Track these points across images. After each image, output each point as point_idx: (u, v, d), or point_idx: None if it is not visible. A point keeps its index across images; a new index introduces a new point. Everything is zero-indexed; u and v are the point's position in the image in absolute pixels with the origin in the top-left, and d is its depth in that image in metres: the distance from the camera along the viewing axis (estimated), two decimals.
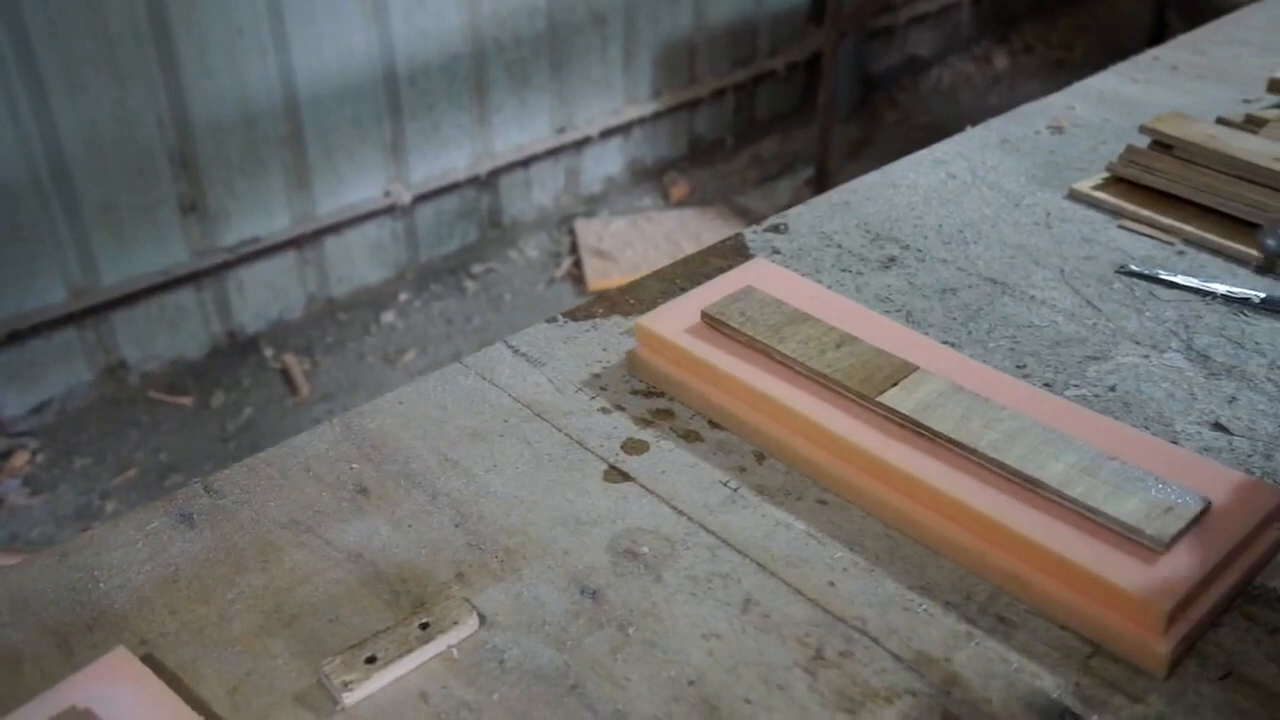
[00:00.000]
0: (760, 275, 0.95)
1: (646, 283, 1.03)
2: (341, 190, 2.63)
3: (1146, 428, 0.83)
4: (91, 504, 2.16)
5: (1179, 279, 1.00)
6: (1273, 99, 1.30)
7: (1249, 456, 0.80)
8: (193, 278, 2.42)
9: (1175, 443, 0.81)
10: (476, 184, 2.90)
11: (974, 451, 0.74)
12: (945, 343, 0.93)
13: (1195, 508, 0.68)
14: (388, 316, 2.73)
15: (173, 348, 2.47)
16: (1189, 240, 1.06)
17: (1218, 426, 0.83)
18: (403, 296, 2.80)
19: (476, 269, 2.92)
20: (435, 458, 0.82)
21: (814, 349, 0.83)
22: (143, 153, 2.24)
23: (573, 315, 0.99)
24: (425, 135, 2.74)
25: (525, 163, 2.99)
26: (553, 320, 0.98)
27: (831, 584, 0.71)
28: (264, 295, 2.58)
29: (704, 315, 0.89)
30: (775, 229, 1.11)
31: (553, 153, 3.04)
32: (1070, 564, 0.66)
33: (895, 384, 0.80)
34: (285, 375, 2.51)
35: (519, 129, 2.95)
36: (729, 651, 0.67)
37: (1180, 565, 0.65)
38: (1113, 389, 0.87)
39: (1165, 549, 0.66)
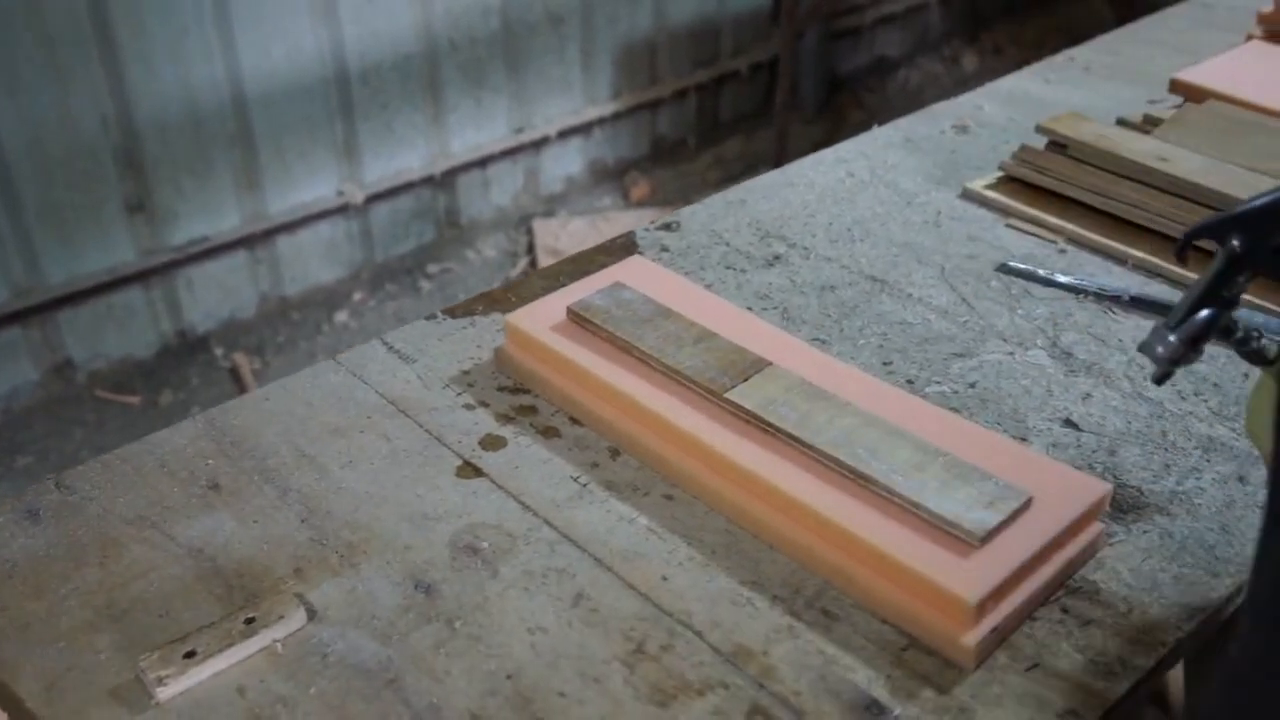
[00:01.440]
0: (634, 273, 0.95)
1: (532, 280, 1.04)
2: (293, 189, 2.63)
3: (999, 424, 0.84)
4: None
5: (1056, 277, 1.00)
6: (1175, 100, 1.31)
7: (1094, 452, 0.81)
8: (140, 277, 2.42)
9: (1025, 439, 0.82)
10: (432, 184, 2.90)
11: (810, 447, 0.74)
12: (815, 339, 0.94)
13: (1015, 502, 0.68)
14: (341, 316, 2.74)
15: (121, 347, 2.47)
16: (1072, 239, 1.07)
17: (1068, 423, 0.84)
18: (357, 296, 2.80)
19: (432, 269, 2.92)
20: (292, 454, 0.82)
21: (672, 345, 0.84)
22: (87, 152, 2.24)
23: (452, 312, 0.99)
24: (378, 135, 2.74)
25: (482, 163, 2.99)
26: (432, 317, 0.99)
27: (665, 579, 0.72)
28: (215, 294, 2.58)
29: (569, 311, 0.89)
30: (667, 227, 1.12)
31: (510, 153, 3.05)
32: (888, 558, 0.67)
33: (745, 380, 0.80)
34: (235, 374, 2.52)
35: (475, 129, 2.95)
36: (552, 645, 0.67)
37: (994, 559, 0.66)
38: (973, 386, 0.88)
39: (980, 543, 0.67)
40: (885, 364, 0.91)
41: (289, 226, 2.64)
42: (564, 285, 1.01)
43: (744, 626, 0.68)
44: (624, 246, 1.08)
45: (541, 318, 0.90)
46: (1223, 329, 0.67)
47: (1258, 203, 0.66)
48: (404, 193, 2.85)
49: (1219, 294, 0.67)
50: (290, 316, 2.71)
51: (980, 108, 1.36)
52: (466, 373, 0.91)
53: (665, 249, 1.08)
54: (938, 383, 0.89)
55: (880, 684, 0.64)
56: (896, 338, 0.94)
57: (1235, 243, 0.66)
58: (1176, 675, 1.44)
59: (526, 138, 3.05)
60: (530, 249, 3.01)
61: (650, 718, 0.63)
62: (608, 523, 0.76)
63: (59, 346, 2.37)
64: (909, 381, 0.89)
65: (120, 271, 2.38)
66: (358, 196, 2.72)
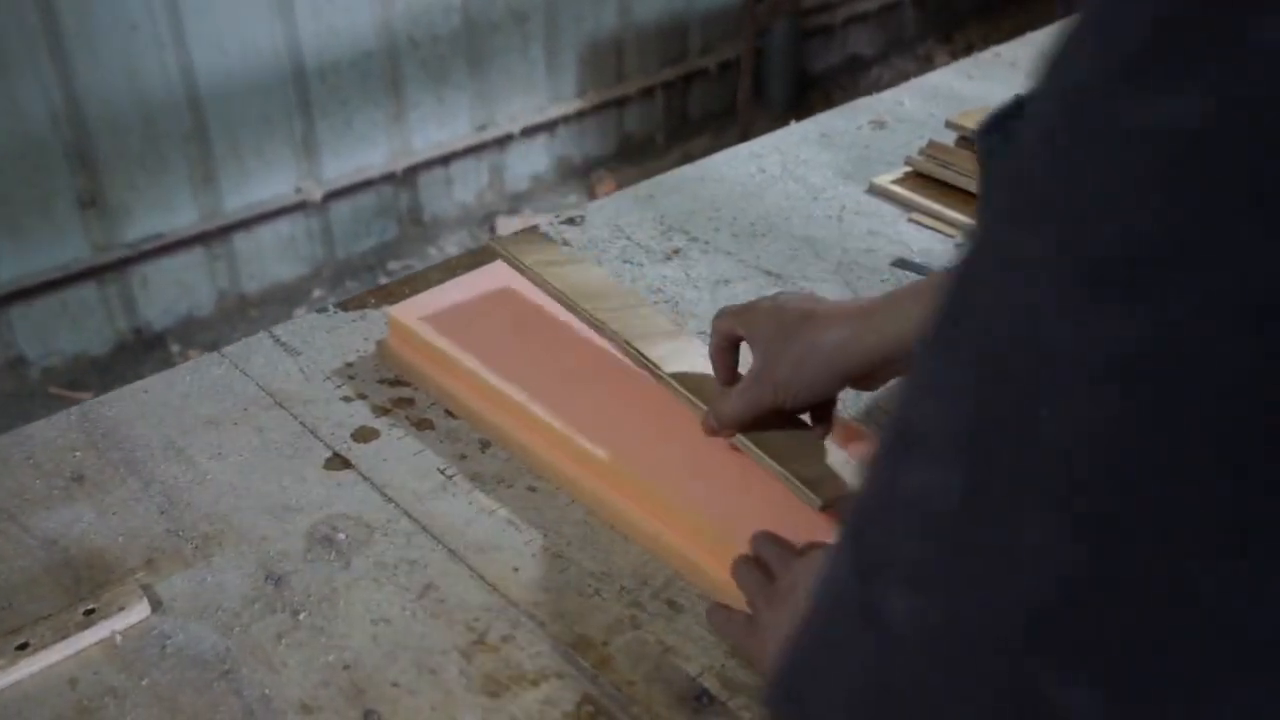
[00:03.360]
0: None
1: (430, 274, 1.04)
2: (250, 187, 2.62)
3: (875, 415, 0.84)
4: None
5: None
6: None
7: None
8: (94, 273, 2.42)
9: None
10: (394, 181, 2.90)
11: (688, 399, 0.75)
12: (702, 333, 0.94)
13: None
14: (300, 313, 2.73)
15: (75, 344, 2.46)
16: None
17: None
18: (317, 293, 2.80)
19: (394, 266, 2.92)
20: (162, 445, 0.82)
21: (580, 289, 0.84)
22: (36, 148, 2.24)
23: (345, 305, 0.99)
24: (338, 132, 2.74)
25: (445, 160, 2.99)
26: (323, 310, 0.99)
27: (516, 570, 0.72)
28: (171, 292, 2.58)
29: (491, 242, 0.90)
30: (571, 221, 1.12)
31: (474, 150, 3.04)
32: (732, 547, 0.67)
33: (645, 336, 0.81)
34: None
35: (438, 126, 2.95)
36: (393, 636, 0.67)
37: None
38: None
39: (820, 511, 0.67)
40: None
41: (246, 223, 2.64)
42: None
43: (588, 617, 0.68)
44: (526, 240, 1.08)
45: (424, 311, 0.90)
46: None
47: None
48: (365, 190, 2.85)
49: None
50: (249, 314, 2.71)
51: (901, 103, 1.36)
52: (350, 365, 0.91)
53: (567, 243, 1.08)
54: None
55: (712, 674, 0.64)
56: None
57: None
58: None
59: (490, 135, 3.05)
60: None
61: (480, 708, 0.62)
62: (467, 515, 0.76)
63: (11, 343, 2.36)
64: None
65: (73, 268, 2.37)
66: (316, 194, 2.72)
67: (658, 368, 0.77)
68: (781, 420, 0.73)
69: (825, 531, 0.67)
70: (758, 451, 0.71)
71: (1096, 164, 0.23)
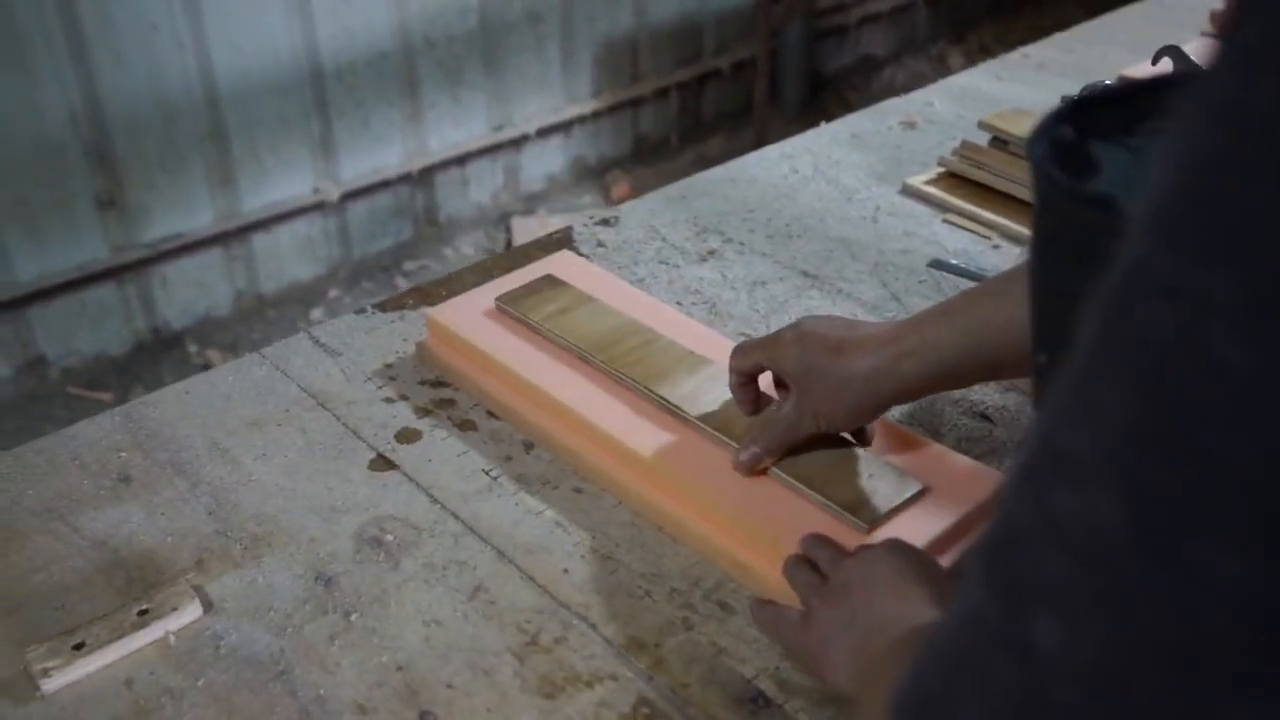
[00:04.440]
0: (562, 268, 0.95)
1: (464, 275, 1.04)
2: (268, 187, 2.63)
3: (913, 417, 0.84)
4: None
5: (987, 272, 1.00)
6: None
7: (1005, 445, 0.81)
8: (113, 273, 2.42)
9: (938, 432, 0.82)
10: (410, 181, 2.90)
11: (713, 434, 0.74)
12: (741, 334, 0.94)
13: (908, 492, 0.68)
14: (317, 313, 2.74)
15: (94, 344, 2.47)
16: (1006, 235, 1.07)
17: (983, 416, 0.83)
18: (333, 293, 2.80)
19: (410, 266, 2.92)
20: (207, 446, 0.82)
21: (592, 339, 0.84)
22: (56, 148, 2.24)
23: (383, 306, 0.99)
24: (355, 132, 2.74)
25: (461, 160, 2.99)
26: (361, 311, 0.99)
27: (566, 571, 0.72)
28: (190, 292, 2.58)
29: (496, 302, 0.89)
30: (605, 222, 1.12)
31: (489, 150, 3.04)
32: (780, 549, 0.67)
33: (664, 373, 0.80)
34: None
35: (454, 126, 2.95)
36: (445, 638, 0.67)
37: None
38: None
39: (869, 532, 0.66)
40: None
41: (264, 224, 2.64)
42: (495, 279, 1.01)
43: (639, 619, 0.68)
44: (560, 241, 1.08)
45: (464, 311, 0.90)
46: None
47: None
48: (381, 190, 2.85)
49: None
50: (266, 314, 2.71)
51: (930, 104, 1.35)
52: (390, 366, 0.91)
53: (601, 244, 1.08)
54: None
55: (767, 677, 0.64)
56: None
57: None
58: None
59: (506, 136, 3.05)
60: (509, 247, 3.01)
61: (536, 709, 0.62)
62: (514, 516, 0.76)
63: (31, 343, 2.37)
64: None
65: (92, 268, 2.38)
66: (333, 194, 2.72)
67: (682, 411, 0.77)
68: (817, 441, 0.73)
69: (875, 534, 0.67)
70: (793, 481, 0.71)
71: (1270, 188, 0.23)
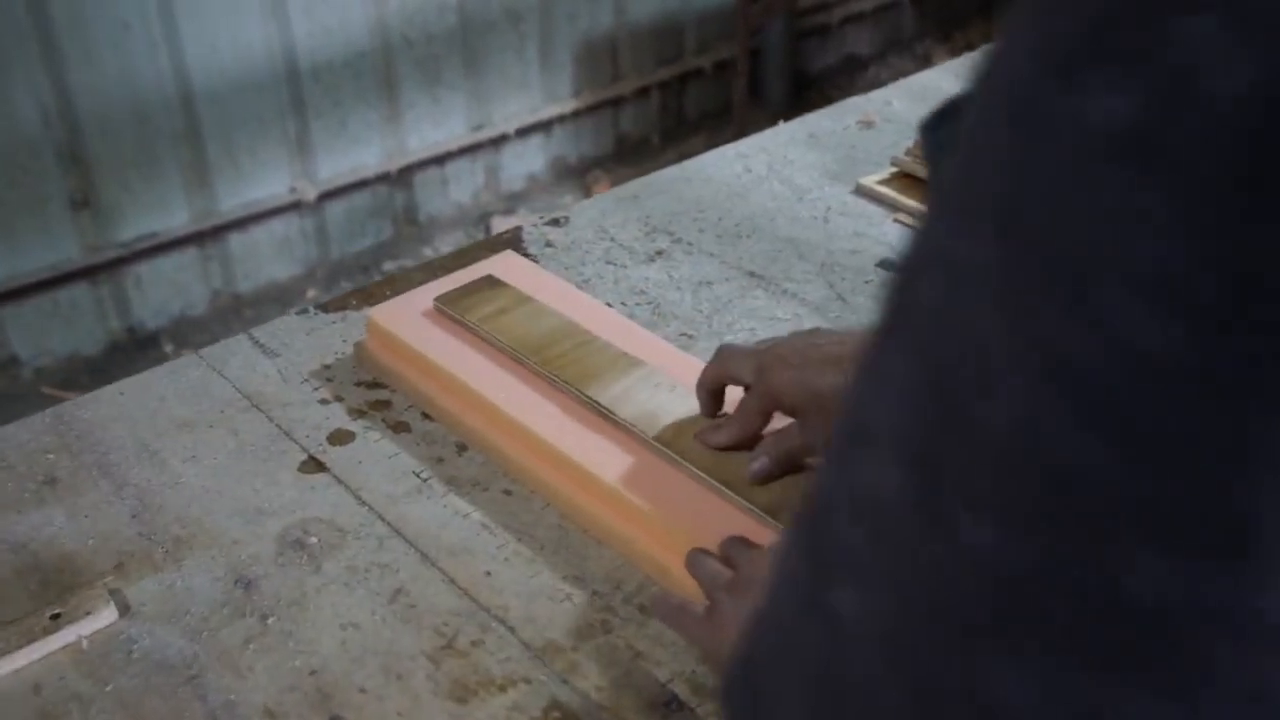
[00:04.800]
0: (504, 269, 0.95)
1: (412, 275, 1.03)
2: (244, 187, 2.62)
3: None
4: None
5: None
6: None
7: None
8: (87, 273, 2.41)
9: None
10: (389, 181, 2.89)
11: (639, 434, 0.74)
12: (682, 335, 0.93)
13: None
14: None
15: (68, 344, 2.46)
16: None
17: None
18: (311, 293, 2.79)
19: (389, 266, 2.91)
20: (136, 448, 0.82)
21: (527, 340, 0.83)
22: (28, 148, 2.23)
23: (325, 307, 0.99)
24: (332, 132, 2.73)
25: (440, 160, 2.98)
26: (304, 311, 0.98)
27: (488, 574, 0.71)
28: (165, 291, 2.57)
29: (435, 303, 0.89)
30: (555, 222, 1.11)
31: (469, 150, 3.04)
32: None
33: (597, 375, 0.80)
34: None
35: (433, 126, 2.94)
36: (362, 641, 0.66)
37: None
38: None
39: None
40: None
41: (241, 223, 2.63)
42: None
43: (558, 622, 0.67)
44: (509, 241, 1.08)
45: (402, 312, 0.89)
46: None
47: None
48: (360, 190, 2.84)
49: None
50: (244, 314, 2.70)
51: (889, 103, 1.35)
52: (328, 367, 0.90)
53: (550, 244, 1.07)
54: None
55: (682, 680, 0.63)
56: (764, 333, 0.93)
57: None
58: None
59: (485, 135, 3.04)
60: None
61: (447, 713, 0.62)
62: (441, 518, 0.75)
63: (3, 343, 2.36)
64: None
65: (65, 268, 2.37)
66: (310, 194, 2.71)
67: (611, 413, 0.76)
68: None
69: None
70: (717, 485, 0.70)
71: (1033, 163, 0.23)
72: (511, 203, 3.19)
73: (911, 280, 0.27)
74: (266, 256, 2.73)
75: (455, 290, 0.90)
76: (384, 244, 2.95)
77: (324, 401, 0.86)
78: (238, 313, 2.70)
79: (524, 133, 3.13)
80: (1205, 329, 0.21)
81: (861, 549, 0.27)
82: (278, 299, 2.75)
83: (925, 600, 0.25)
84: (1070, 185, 0.23)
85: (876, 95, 1.37)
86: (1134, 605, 0.22)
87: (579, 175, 3.33)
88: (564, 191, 3.28)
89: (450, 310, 0.87)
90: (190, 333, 2.62)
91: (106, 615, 0.67)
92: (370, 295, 0.99)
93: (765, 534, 0.67)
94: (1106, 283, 0.22)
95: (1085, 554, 0.23)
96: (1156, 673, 0.23)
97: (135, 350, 2.55)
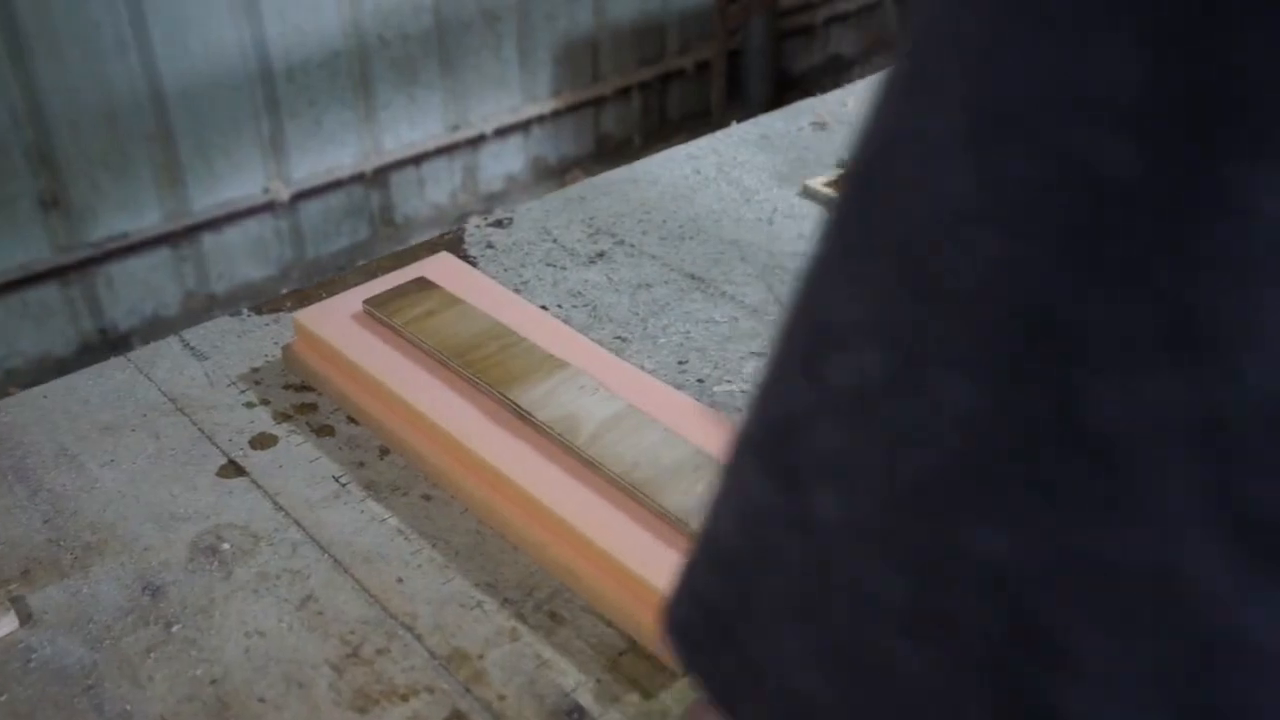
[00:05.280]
0: (438, 271, 0.94)
1: (348, 277, 1.02)
2: (217, 187, 2.61)
3: None
4: None
5: None
6: None
7: None
8: (57, 273, 2.40)
9: None
10: (364, 181, 2.88)
11: (557, 437, 0.73)
12: (617, 338, 0.92)
13: None
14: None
15: (38, 344, 2.45)
16: None
17: None
18: (286, 293, 2.78)
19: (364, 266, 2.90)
20: (54, 453, 0.81)
21: (452, 343, 0.82)
22: None
23: (259, 309, 0.98)
24: (307, 132, 2.72)
25: (417, 160, 2.97)
26: (237, 314, 0.97)
27: (400, 580, 0.70)
28: (137, 292, 2.56)
29: (363, 305, 0.88)
30: (499, 223, 1.10)
31: (446, 150, 3.03)
32: (609, 556, 0.65)
33: (520, 378, 0.79)
34: None
35: (409, 126, 2.93)
36: (266, 650, 0.66)
37: None
38: None
39: None
40: (681, 363, 0.89)
41: (214, 224, 2.62)
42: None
43: (467, 630, 0.66)
44: (451, 242, 1.07)
45: (330, 315, 0.88)
46: None
47: None
48: (335, 190, 2.83)
49: None
50: (216, 314, 2.69)
51: (844, 104, 1.34)
52: (257, 370, 0.89)
53: (491, 245, 1.06)
54: (728, 381, 0.87)
55: (588, 688, 0.62)
56: (699, 336, 0.92)
57: None
58: None
59: (463, 135, 3.03)
60: None
61: None
62: (358, 523, 0.74)
63: None
64: (699, 380, 0.87)
65: (34, 268, 2.36)
66: (284, 194, 2.70)
67: (531, 415, 0.75)
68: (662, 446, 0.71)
69: None
70: (631, 488, 0.69)
71: (993, 25, 0.24)
72: (490, 203, 3.18)
73: (876, 163, 0.27)
74: (240, 257, 2.72)
75: (385, 292, 0.89)
76: (360, 244, 2.94)
77: (249, 405, 0.85)
78: (211, 314, 2.69)
79: (502, 133, 3.12)
80: (1163, 150, 0.22)
81: (842, 449, 0.27)
82: (252, 300, 2.74)
83: (911, 475, 0.25)
84: (1025, 25, 0.23)
85: (831, 96, 1.36)
86: (1095, 433, 0.23)
87: (558, 175, 3.32)
88: (543, 192, 3.27)
89: (378, 313, 0.86)
90: (163, 333, 2.61)
91: (6, 623, 0.66)
92: (306, 297, 0.98)
93: (678, 538, 0.66)
94: (1065, 112, 0.23)
95: (1052, 391, 0.23)
96: (1122, 503, 0.23)
97: (107, 351, 2.54)
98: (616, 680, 0.63)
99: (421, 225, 3.04)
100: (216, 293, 2.70)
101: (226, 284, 2.72)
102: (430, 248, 1.05)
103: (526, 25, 3.06)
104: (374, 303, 0.88)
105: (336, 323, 0.87)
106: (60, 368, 2.47)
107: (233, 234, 2.68)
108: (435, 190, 3.06)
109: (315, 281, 2.82)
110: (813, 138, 1.26)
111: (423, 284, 0.90)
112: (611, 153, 3.44)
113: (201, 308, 2.68)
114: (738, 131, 1.28)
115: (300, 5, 2.57)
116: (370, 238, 2.96)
